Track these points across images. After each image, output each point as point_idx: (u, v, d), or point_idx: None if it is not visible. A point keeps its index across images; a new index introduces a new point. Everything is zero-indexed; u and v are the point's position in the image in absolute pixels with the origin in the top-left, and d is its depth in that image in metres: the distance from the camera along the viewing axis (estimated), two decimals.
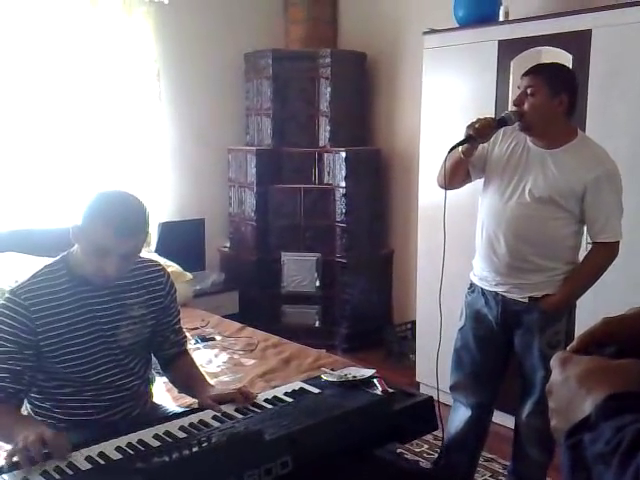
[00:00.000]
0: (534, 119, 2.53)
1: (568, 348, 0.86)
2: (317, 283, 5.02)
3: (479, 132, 2.54)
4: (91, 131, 4.59)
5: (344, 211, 4.90)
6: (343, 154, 4.88)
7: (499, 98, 3.71)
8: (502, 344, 2.76)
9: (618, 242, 2.58)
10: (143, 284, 2.14)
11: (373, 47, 5.20)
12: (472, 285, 2.80)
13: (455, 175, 2.73)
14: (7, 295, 1.98)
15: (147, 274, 2.16)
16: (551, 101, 2.51)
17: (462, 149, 2.61)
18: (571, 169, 2.52)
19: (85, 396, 2.04)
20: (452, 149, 2.63)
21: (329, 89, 4.96)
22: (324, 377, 2.21)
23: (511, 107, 2.61)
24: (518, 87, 2.60)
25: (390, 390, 2.08)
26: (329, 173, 4.99)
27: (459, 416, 2.88)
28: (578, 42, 3.36)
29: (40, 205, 4.46)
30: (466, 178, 2.77)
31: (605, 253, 2.58)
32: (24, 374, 1.93)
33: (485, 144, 2.67)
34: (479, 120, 2.57)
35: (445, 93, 4.05)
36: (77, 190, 4.49)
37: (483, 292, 2.73)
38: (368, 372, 2.21)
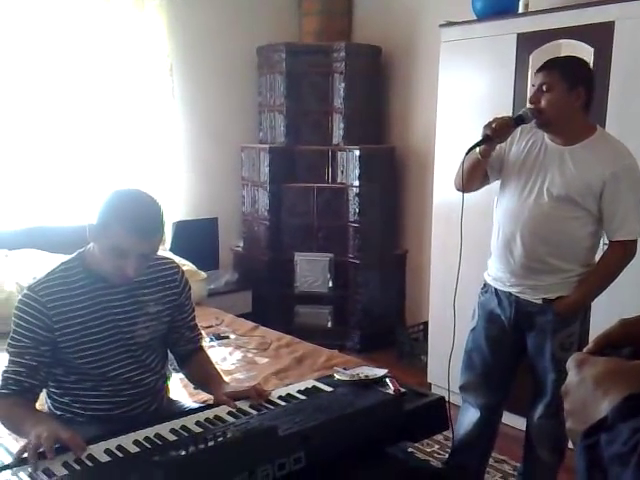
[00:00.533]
0: (552, 115, 2.48)
1: (584, 350, 0.86)
2: (330, 283, 5.02)
3: (496, 132, 2.52)
4: (105, 128, 4.62)
5: (357, 211, 4.90)
6: (357, 152, 4.86)
7: (517, 93, 3.64)
8: (514, 345, 2.75)
9: (636, 241, 2.54)
10: (158, 281, 2.17)
11: (389, 40, 5.14)
12: (486, 285, 2.79)
13: (473, 177, 2.71)
14: (25, 292, 2.01)
15: (162, 271, 2.19)
16: (568, 96, 2.46)
17: (479, 150, 2.59)
18: (589, 165, 2.47)
19: (103, 391, 2.07)
20: (469, 151, 2.60)
21: (343, 84, 4.92)
22: (337, 376, 2.22)
23: (528, 104, 2.57)
24: (533, 85, 2.56)
25: (402, 390, 2.09)
26: (342, 172, 4.99)
27: (468, 417, 2.87)
28: (600, 34, 3.28)
29: (56, 202, 4.50)
30: (484, 180, 2.75)
31: (622, 252, 2.54)
32: (40, 370, 1.96)
33: (502, 144, 2.64)
34: (496, 119, 2.55)
35: (462, 88, 3.99)
36: (92, 188, 4.53)
37: (497, 292, 2.72)
38: (380, 372, 2.22)
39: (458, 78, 4.02)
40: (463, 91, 3.99)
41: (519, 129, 2.63)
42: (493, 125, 2.52)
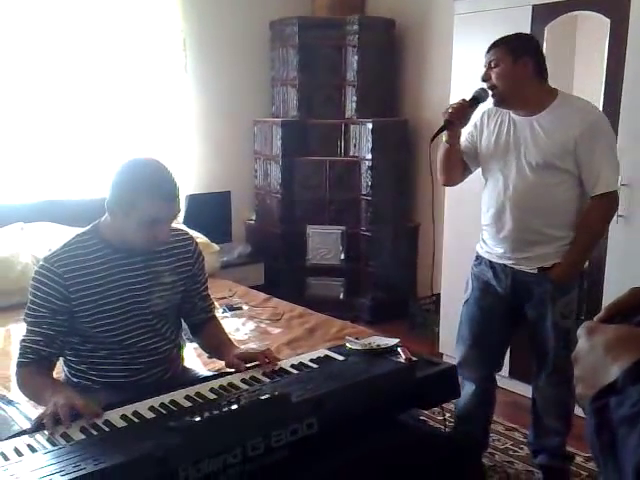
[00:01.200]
0: (504, 89, 2.55)
1: (595, 318, 0.86)
2: (342, 256, 5.05)
3: (454, 115, 2.61)
4: (118, 103, 4.64)
5: (370, 184, 4.91)
6: (369, 125, 4.87)
7: None
8: (507, 315, 2.76)
9: (614, 192, 2.55)
10: (173, 252, 2.19)
11: (402, 13, 5.11)
12: (478, 257, 2.81)
13: (452, 168, 2.77)
14: (41, 263, 2.05)
15: (176, 242, 2.21)
16: (515, 67, 2.53)
17: (445, 138, 2.68)
18: (558, 128, 2.51)
19: (119, 359, 2.11)
20: (433, 138, 2.68)
21: (356, 57, 4.91)
22: (349, 345, 2.25)
23: (482, 84, 2.64)
24: (484, 66, 2.62)
25: (413, 358, 2.11)
26: (355, 145, 4.99)
27: (465, 391, 2.85)
28: (616, 5, 3.25)
29: (71, 176, 4.54)
30: (465, 170, 2.80)
31: (603, 205, 2.55)
32: (57, 338, 2.01)
33: (473, 131, 2.73)
34: (451, 105, 2.65)
35: (476, 61, 3.88)
36: (106, 161, 4.55)
37: (491, 264, 2.73)
38: (392, 341, 2.24)
39: (472, 51, 3.96)
40: (477, 64, 3.90)
41: (485, 114, 2.71)
42: (449, 110, 2.62)
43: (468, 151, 2.75)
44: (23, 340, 2.02)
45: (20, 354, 2.01)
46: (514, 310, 2.74)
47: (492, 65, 2.56)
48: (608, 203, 2.56)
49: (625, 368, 0.70)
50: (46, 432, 1.69)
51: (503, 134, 2.64)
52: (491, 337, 2.80)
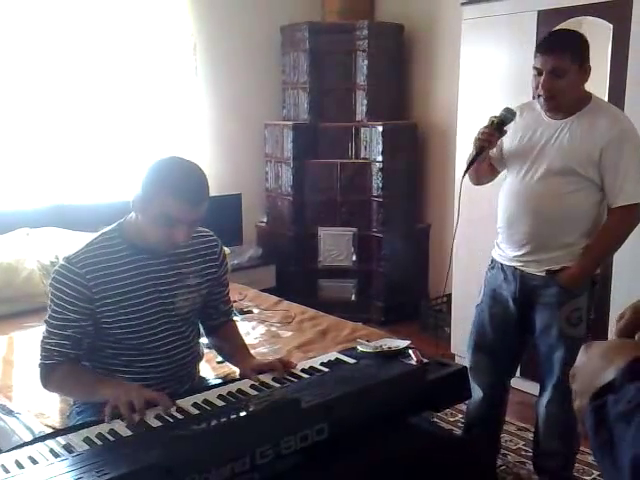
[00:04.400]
0: (566, 101, 2.44)
1: None
2: (353, 257, 5.05)
3: (485, 142, 2.52)
4: (128, 107, 4.64)
5: (380, 186, 4.91)
6: (380, 128, 4.88)
7: None
8: (517, 323, 2.69)
9: (637, 205, 2.45)
10: (199, 253, 2.15)
11: (411, 19, 5.14)
12: (493, 261, 2.76)
13: (481, 175, 2.76)
14: (62, 263, 1.99)
15: (203, 243, 2.17)
16: (581, 76, 2.42)
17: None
18: (586, 135, 2.43)
19: (136, 367, 2.07)
20: (467, 170, 2.64)
21: (366, 62, 4.94)
22: (359, 348, 2.24)
23: (540, 91, 2.46)
24: (535, 67, 2.45)
25: (424, 360, 2.10)
26: (366, 148, 5.00)
27: (475, 396, 2.80)
28: (619, 11, 3.28)
29: (78, 181, 4.52)
30: (494, 172, 2.77)
31: (623, 218, 2.47)
32: (83, 340, 1.98)
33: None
34: (481, 131, 2.54)
35: (484, 65, 4.01)
36: (115, 166, 4.57)
37: (502, 268, 2.68)
38: (403, 343, 2.23)
39: (479, 55, 4.04)
40: (485, 68, 4.01)
41: (517, 111, 2.60)
42: (480, 136, 2.53)
43: (494, 155, 2.69)
44: (47, 342, 1.97)
45: (44, 356, 1.97)
46: (524, 318, 2.67)
47: (557, 74, 2.38)
48: (629, 216, 2.47)
49: (621, 367, 0.72)
50: (122, 421, 1.73)
51: (529, 134, 2.56)
52: (500, 345, 2.74)
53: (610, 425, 0.68)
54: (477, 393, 2.81)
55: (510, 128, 2.58)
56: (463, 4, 4.07)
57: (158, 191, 1.90)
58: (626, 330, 0.91)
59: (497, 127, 2.52)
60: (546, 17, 3.61)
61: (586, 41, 2.49)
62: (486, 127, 2.54)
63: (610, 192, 2.46)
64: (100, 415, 1.80)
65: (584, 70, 2.43)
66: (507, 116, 2.52)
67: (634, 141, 2.44)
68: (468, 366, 2.81)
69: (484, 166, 2.71)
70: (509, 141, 2.62)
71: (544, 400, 2.69)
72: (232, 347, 2.29)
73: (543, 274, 2.56)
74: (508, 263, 2.67)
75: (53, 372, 1.98)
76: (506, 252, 2.67)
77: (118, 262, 2.00)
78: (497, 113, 2.55)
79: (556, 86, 2.40)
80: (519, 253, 2.61)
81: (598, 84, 3.39)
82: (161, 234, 1.95)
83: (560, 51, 2.39)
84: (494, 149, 2.64)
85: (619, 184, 2.42)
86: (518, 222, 2.58)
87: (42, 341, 2.00)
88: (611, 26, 3.32)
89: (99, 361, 2.08)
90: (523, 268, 2.61)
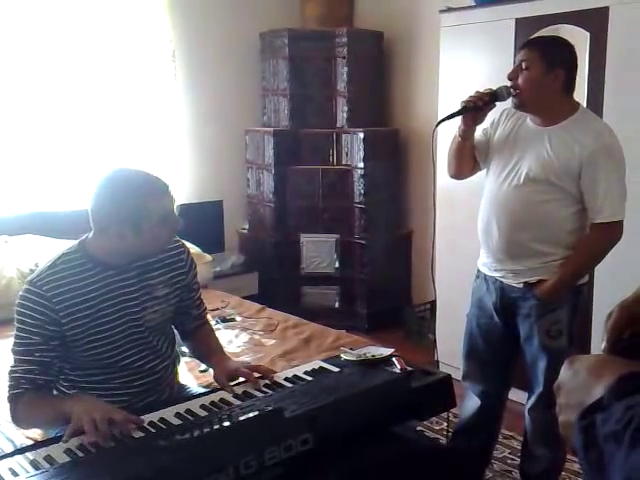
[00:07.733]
0: (528, 95, 2.44)
1: (603, 346, 0.91)
2: (336, 264, 5.03)
3: (469, 102, 2.50)
4: (107, 113, 4.61)
5: (362, 192, 4.90)
6: (361, 135, 4.88)
7: None
8: (504, 333, 2.66)
9: (619, 222, 2.41)
10: (165, 262, 2.12)
11: (390, 26, 5.16)
12: (478, 271, 2.73)
13: (462, 162, 2.68)
14: (26, 286, 1.93)
15: (168, 251, 2.14)
16: (545, 76, 2.40)
17: (459, 132, 2.59)
18: (566, 146, 2.39)
19: (114, 384, 2.03)
20: (439, 123, 2.62)
21: (346, 69, 4.94)
22: (343, 356, 2.23)
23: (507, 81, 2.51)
24: (514, 62, 2.52)
25: (408, 368, 2.09)
26: (347, 154, 4.99)
27: (469, 404, 2.81)
28: (595, 19, 3.31)
29: (56, 187, 4.48)
30: (475, 166, 2.71)
31: (603, 234, 2.42)
32: (53, 365, 1.92)
33: (489, 128, 2.63)
34: (471, 95, 2.53)
35: (462, 72, 4.03)
36: (93, 173, 4.51)
37: (485, 278, 2.67)
38: (387, 351, 2.22)
39: (458, 62, 4.07)
40: (463, 75, 4.03)
41: (504, 113, 2.60)
42: (468, 97, 2.52)
43: (480, 146, 2.65)
44: (14, 371, 1.89)
45: (11, 386, 1.89)
46: (509, 327, 2.65)
47: (523, 66, 2.42)
48: (610, 232, 2.42)
49: (609, 384, 0.70)
50: (84, 439, 1.67)
51: (512, 138, 2.54)
52: (491, 354, 2.72)
53: (600, 445, 0.67)
54: (474, 401, 2.79)
55: (499, 128, 2.59)
56: (442, 11, 4.10)
57: (138, 201, 1.89)
58: (617, 328, 0.90)
59: (489, 96, 2.51)
60: (524, 25, 3.63)
61: (566, 48, 2.49)
62: (480, 92, 2.54)
63: (591, 208, 2.42)
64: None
65: (554, 74, 2.41)
66: (502, 93, 2.50)
67: (616, 157, 2.40)
68: (462, 374, 2.82)
69: (466, 150, 2.64)
70: (499, 137, 2.60)
71: (531, 406, 2.68)
72: (207, 349, 2.28)
73: (521, 286, 2.53)
74: (490, 274, 2.64)
75: (20, 402, 1.89)
76: (485, 260, 2.66)
77: (84, 282, 1.95)
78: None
79: (520, 78, 2.44)
80: (496, 262, 2.58)
81: (576, 92, 3.44)
82: (166, 234, 2.01)
83: (532, 46, 2.47)
84: (481, 135, 2.63)
85: (600, 201, 2.38)
86: (492, 226, 2.55)
87: (9, 372, 1.91)
88: (588, 34, 3.34)
89: (74, 382, 2.03)
90: (502, 279, 2.59)
